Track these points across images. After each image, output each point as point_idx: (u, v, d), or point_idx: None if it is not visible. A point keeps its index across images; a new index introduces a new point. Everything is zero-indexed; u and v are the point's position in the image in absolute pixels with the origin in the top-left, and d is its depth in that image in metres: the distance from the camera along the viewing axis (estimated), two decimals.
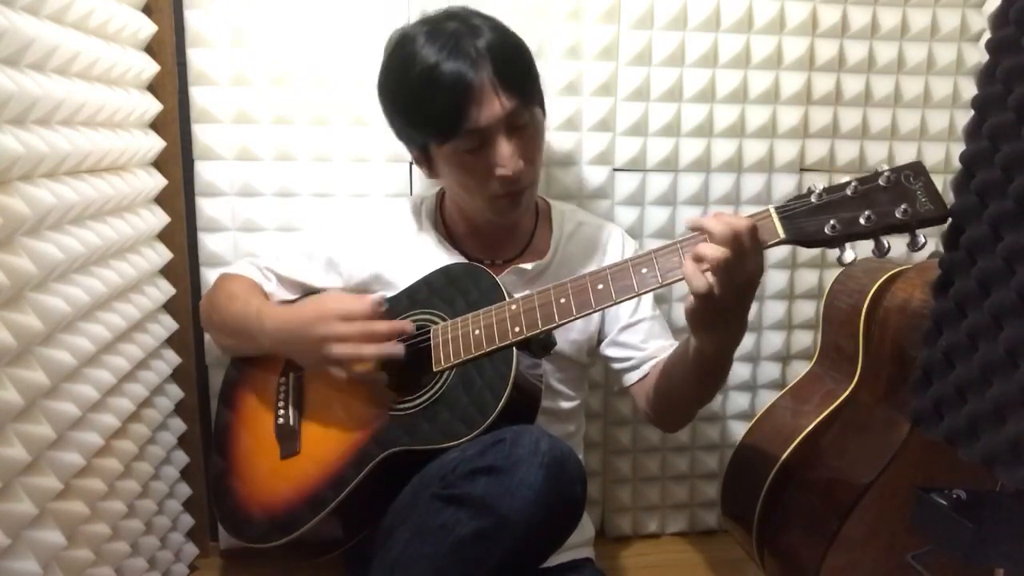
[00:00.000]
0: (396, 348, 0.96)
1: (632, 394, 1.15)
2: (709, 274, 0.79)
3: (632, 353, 1.12)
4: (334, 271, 1.16)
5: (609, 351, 1.15)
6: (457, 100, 0.95)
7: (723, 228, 0.78)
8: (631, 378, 1.13)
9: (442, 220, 1.18)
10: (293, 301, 1.15)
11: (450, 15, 1.01)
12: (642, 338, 1.13)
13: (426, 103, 0.98)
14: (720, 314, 0.83)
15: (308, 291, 1.18)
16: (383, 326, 0.97)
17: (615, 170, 1.40)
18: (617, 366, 1.15)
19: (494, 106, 0.96)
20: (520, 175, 1.00)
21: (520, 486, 0.77)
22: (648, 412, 1.11)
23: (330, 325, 0.97)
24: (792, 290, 1.49)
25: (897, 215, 0.78)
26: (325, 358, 0.97)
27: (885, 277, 1.16)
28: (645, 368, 1.11)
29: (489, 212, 1.06)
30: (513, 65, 0.99)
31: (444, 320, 1.00)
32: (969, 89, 1.45)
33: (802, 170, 1.45)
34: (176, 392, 1.31)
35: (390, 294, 1.10)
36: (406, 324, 1.01)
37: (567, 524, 0.84)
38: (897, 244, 0.81)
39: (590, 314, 0.91)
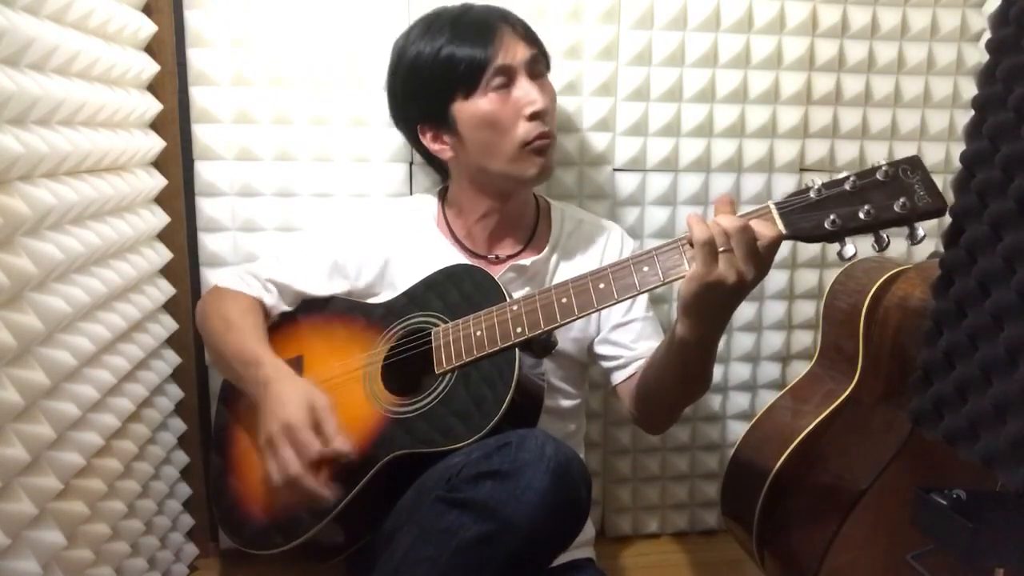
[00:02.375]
0: (326, 497, 0.90)
1: (618, 393, 1.14)
2: (721, 248, 0.80)
3: (621, 352, 1.12)
4: (340, 275, 1.15)
5: (600, 349, 1.15)
6: (485, 37, 1.02)
7: (739, 222, 0.80)
8: (618, 377, 1.13)
9: (443, 218, 1.18)
10: (296, 312, 1.15)
11: (459, 6, 1.10)
12: (632, 338, 1.13)
13: (455, 49, 1.02)
14: (716, 291, 0.82)
15: (309, 300, 1.16)
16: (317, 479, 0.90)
17: (615, 170, 1.40)
18: (606, 364, 1.15)
19: (519, 47, 1.05)
20: (547, 115, 1.05)
21: (526, 491, 0.77)
22: (633, 411, 1.11)
23: (301, 433, 0.90)
24: (792, 290, 1.49)
25: (896, 209, 0.78)
26: (271, 438, 0.92)
27: (885, 277, 1.16)
28: (632, 368, 1.11)
29: (518, 168, 1.06)
30: (527, 26, 1.10)
31: (445, 322, 1.00)
32: (969, 89, 1.45)
33: (802, 170, 1.45)
34: (176, 392, 1.31)
35: (390, 295, 1.11)
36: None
37: (572, 528, 0.84)
38: (897, 242, 0.81)
39: (592, 313, 0.91)
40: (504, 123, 1.04)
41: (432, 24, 1.07)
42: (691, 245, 0.82)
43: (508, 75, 1.03)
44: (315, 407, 0.93)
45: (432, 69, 1.05)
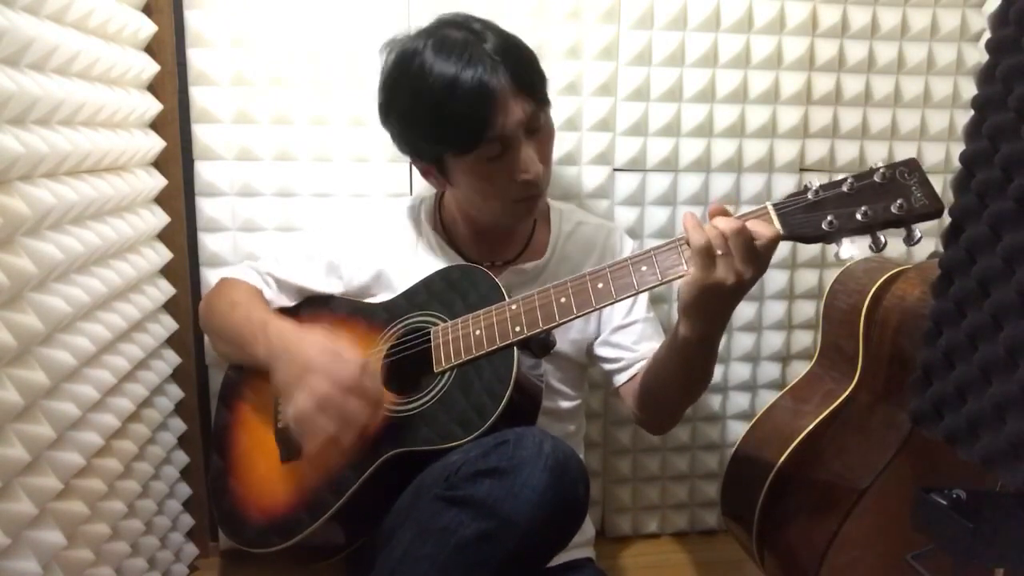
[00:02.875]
0: (348, 450, 0.90)
1: (621, 395, 1.14)
2: (719, 252, 0.80)
3: (623, 354, 1.12)
4: (334, 274, 1.16)
5: (601, 351, 1.15)
6: (480, 109, 0.94)
7: (736, 224, 0.80)
8: (620, 379, 1.13)
9: (441, 222, 1.18)
10: (296, 310, 1.15)
11: (448, 23, 1.00)
12: (634, 339, 1.13)
13: (447, 115, 0.95)
14: (716, 294, 0.82)
15: (307, 296, 1.17)
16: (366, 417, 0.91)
17: (615, 170, 1.40)
18: (608, 367, 1.15)
19: (516, 112, 0.96)
20: (540, 178, 1.01)
21: (523, 488, 0.77)
22: (635, 412, 1.11)
23: (333, 387, 0.89)
24: (792, 290, 1.49)
25: (893, 210, 0.79)
26: (302, 411, 0.89)
27: (885, 277, 1.16)
28: (634, 369, 1.11)
29: (506, 217, 1.07)
30: (525, 67, 0.99)
31: (444, 321, 1.00)
32: (969, 89, 1.45)
33: (802, 170, 1.45)
34: (176, 392, 1.31)
35: (388, 296, 1.11)
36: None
37: (570, 526, 0.84)
38: (896, 242, 0.81)
39: (590, 312, 0.91)
40: (496, 186, 1.01)
41: (422, 77, 0.96)
42: (688, 245, 0.82)
43: (503, 144, 0.97)
44: (334, 349, 0.93)
45: (424, 127, 1.00)
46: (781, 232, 0.82)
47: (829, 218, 0.81)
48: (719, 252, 0.80)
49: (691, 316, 0.87)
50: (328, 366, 0.91)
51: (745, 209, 0.86)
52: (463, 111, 0.94)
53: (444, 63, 0.95)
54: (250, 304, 1.11)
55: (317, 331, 0.98)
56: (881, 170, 0.80)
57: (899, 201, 0.79)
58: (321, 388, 0.88)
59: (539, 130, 1.01)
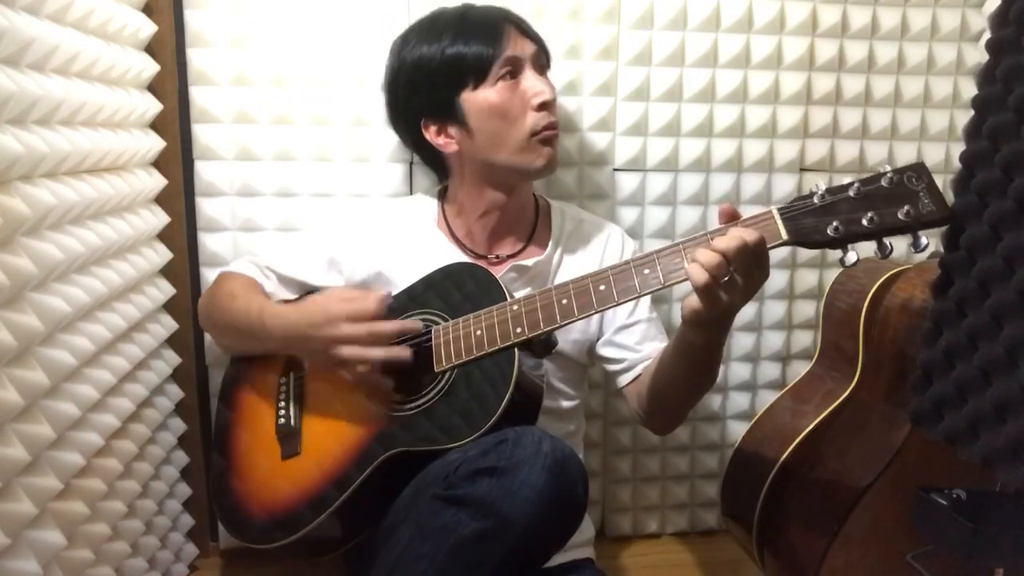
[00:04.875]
0: (403, 353, 0.96)
1: (624, 395, 1.15)
2: (723, 280, 0.80)
3: (626, 354, 1.12)
4: (335, 270, 1.16)
5: (604, 351, 1.15)
6: (493, 29, 1.05)
7: (737, 244, 0.79)
8: (624, 379, 1.13)
9: (443, 218, 1.18)
10: (295, 300, 1.15)
11: (458, 7, 1.11)
12: (637, 340, 1.13)
13: (461, 45, 1.04)
14: (723, 314, 0.85)
15: (308, 290, 1.17)
16: (390, 327, 0.97)
17: (615, 170, 1.40)
18: (611, 367, 1.15)
19: (525, 41, 1.08)
20: (554, 106, 1.07)
21: (522, 487, 0.77)
22: (639, 413, 1.12)
23: (337, 327, 0.96)
24: (792, 290, 1.49)
25: (900, 216, 0.78)
26: (331, 359, 0.97)
27: (885, 277, 1.16)
28: (638, 370, 1.11)
29: (525, 158, 1.07)
30: (528, 24, 1.11)
31: (445, 320, 1.00)
32: (969, 89, 1.45)
33: (802, 170, 1.45)
34: (176, 392, 1.31)
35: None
36: (413, 324, 1.01)
37: (569, 525, 0.84)
38: (897, 242, 0.81)
39: (592, 315, 0.91)
40: (513, 113, 1.05)
41: (433, 25, 1.09)
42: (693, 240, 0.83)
43: (516, 66, 1.06)
44: (331, 299, 0.98)
45: (439, 65, 1.06)
46: (786, 237, 0.81)
47: (835, 224, 0.79)
48: (723, 280, 0.80)
49: (697, 329, 0.88)
50: (321, 317, 0.97)
51: (746, 209, 0.86)
52: (476, 36, 1.04)
53: (454, 10, 1.10)
54: (248, 294, 1.12)
55: (311, 299, 1.05)
56: (888, 174, 0.79)
57: (906, 207, 0.78)
58: (323, 335, 0.96)
59: (544, 74, 1.10)
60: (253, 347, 1.12)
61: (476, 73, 1.04)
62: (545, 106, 1.05)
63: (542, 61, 1.10)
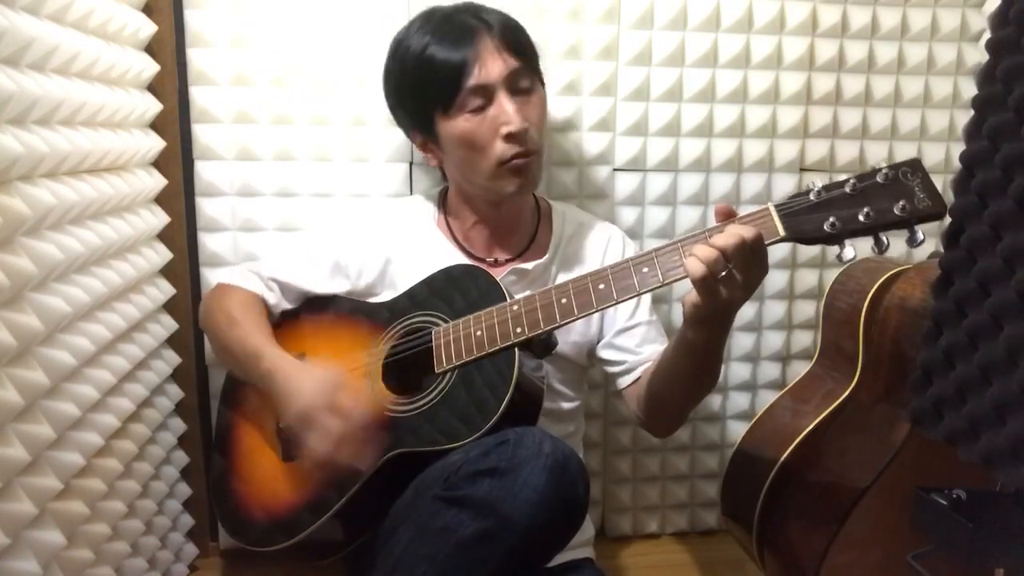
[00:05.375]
0: (361, 468, 0.94)
1: (624, 397, 1.15)
2: (721, 274, 0.80)
3: (626, 357, 1.12)
4: (341, 274, 1.15)
5: (604, 353, 1.15)
6: (461, 56, 1.00)
7: (734, 240, 0.79)
8: (624, 381, 1.13)
9: (444, 219, 1.18)
10: (299, 310, 1.16)
11: (452, 6, 1.08)
12: (637, 342, 1.13)
13: (432, 63, 1.01)
14: (723, 310, 0.84)
15: (310, 298, 1.17)
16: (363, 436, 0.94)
17: (615, 170, 1.40)
18: (611, 369, 1.15)
19: (497, 63, 1.01)
20: (525, 134, 1.02)
21: (523, 488, 0.77)
22: (639, 415, 1.11)
23: (327, 419, 0.92)
24: (792, 290, 1.49)
25: (895, 211, 0.79)
26: (292, 428, 0.96)
27: (885, 277, 1.16)
28: (638, 372, 1.11)
29: (497, 184, 1.05)
30: (515, 32, 1.05)
31: (445, 321, 1.00)
32: (969, 89, 1.45)
33: (802, 170, 1.45)
34: (176, 392, 1.31)
35: (391, 295, 1.11)
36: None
37: (570, 526, 0.84)
38: (897, 243, 0.81)
39: (591, 314, 0.91)
40: (480, 142, 1.02)
41: (414, 33, 1.06)
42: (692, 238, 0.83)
43: (484, 95, 1.01)
44: (324, 389, 0.94)
45: (414, 72, 1.04)
46: (783, 234, 0.82)
47: (831, 219, 0.80)
48: (721, 275, 0.80)
49: (698, 327, 0.88)
50: (291, 403, 0.95)
51: (745, 209, 0.86)
52: (445, 57, 1.00)
53: (436, 16, 1.05)
54: (246, 322, 1.08)
55: (304, 368, 1.01)
56: (884, 170, 0.80)
57: (902, 202, 0.78)
58: (288, 421, 0.96)
59: (526, 92, 1.04)
60: (240, 375, 1.12)
61: (444, 98, 1.01)
62: (513, 136, 1.01)
63: (521, 82, 1.03)
